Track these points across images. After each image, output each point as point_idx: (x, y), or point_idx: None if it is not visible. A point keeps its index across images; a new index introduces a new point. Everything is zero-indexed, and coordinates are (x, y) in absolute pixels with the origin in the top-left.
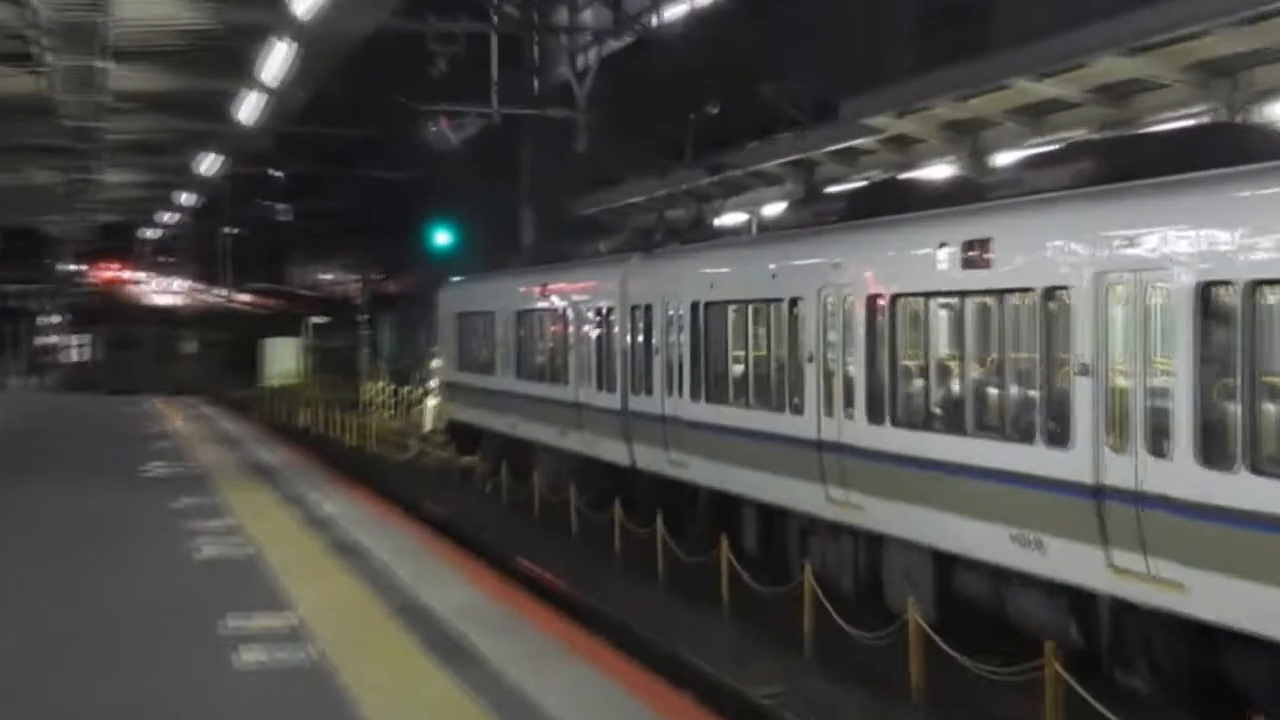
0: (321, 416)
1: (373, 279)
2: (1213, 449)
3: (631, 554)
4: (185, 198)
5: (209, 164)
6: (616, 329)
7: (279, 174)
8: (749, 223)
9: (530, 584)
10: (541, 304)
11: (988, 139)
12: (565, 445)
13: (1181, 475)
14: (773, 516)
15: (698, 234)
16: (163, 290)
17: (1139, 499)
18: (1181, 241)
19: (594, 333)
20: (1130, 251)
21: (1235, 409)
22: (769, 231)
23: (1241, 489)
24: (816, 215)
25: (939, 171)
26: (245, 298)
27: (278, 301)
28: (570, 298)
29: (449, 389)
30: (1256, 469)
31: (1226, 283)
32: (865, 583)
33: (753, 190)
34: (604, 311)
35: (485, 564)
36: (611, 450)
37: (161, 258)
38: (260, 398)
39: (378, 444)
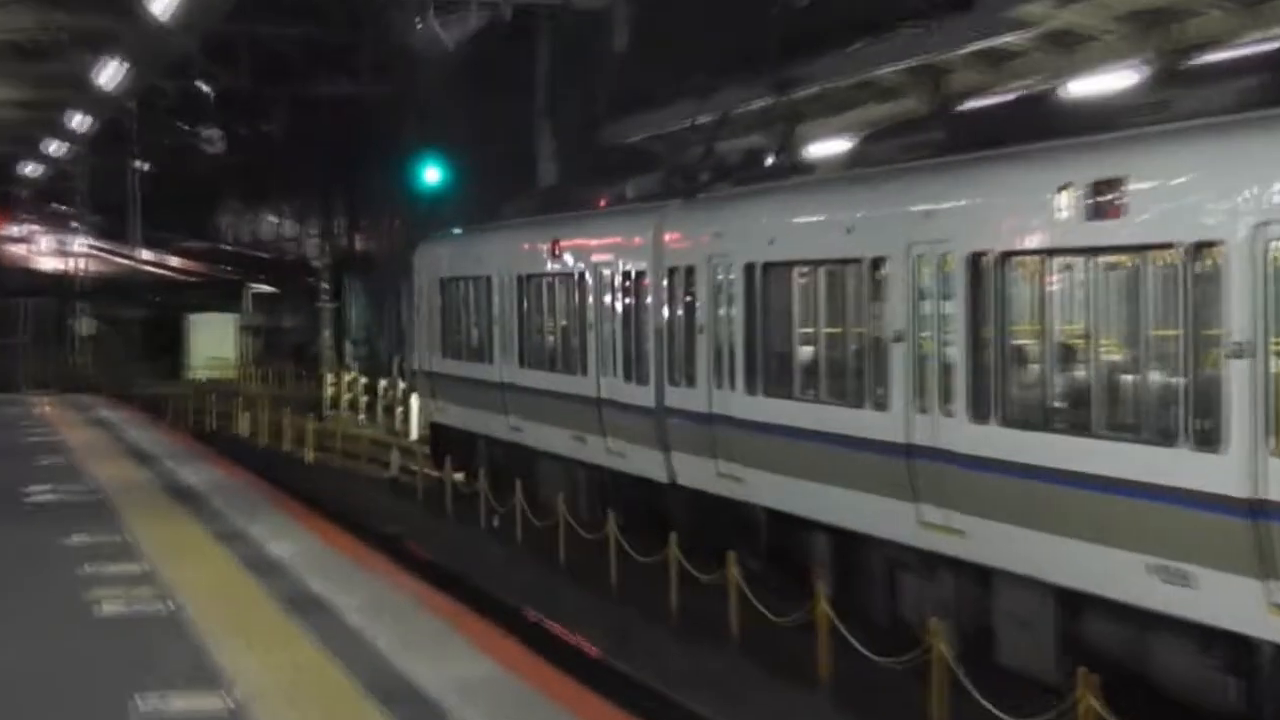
0: (268, 421)
1: (337, 233)
2: None
3: (688, 605)
4: (79, 122)
5: (111, 75)
6: (649, 299)
7: (207, 89)
8: (851, 154)
9: (556, 650)
10: (552, 266)
11: (1187, 33)
12: (584, 456)
13: None
14: (853, 547)
15: (757, 172)
16: (50, 250)
17: None
18: None
19: (620, 304)
20: None
21: None
22: (847, 170)
23: None
24: (907, 148)
25: (1113, 80)
26: (163, 259)
27: (207, 264)
28: (589, 258)
29: (429, 382)
30: None
31: None
32: (971, 633)
33: (858, 108)
34: (632, 276)
35: (495, 623)
36: (643, 461)
37: (48, 205)
38: (183, 396)
39: (346, 458)
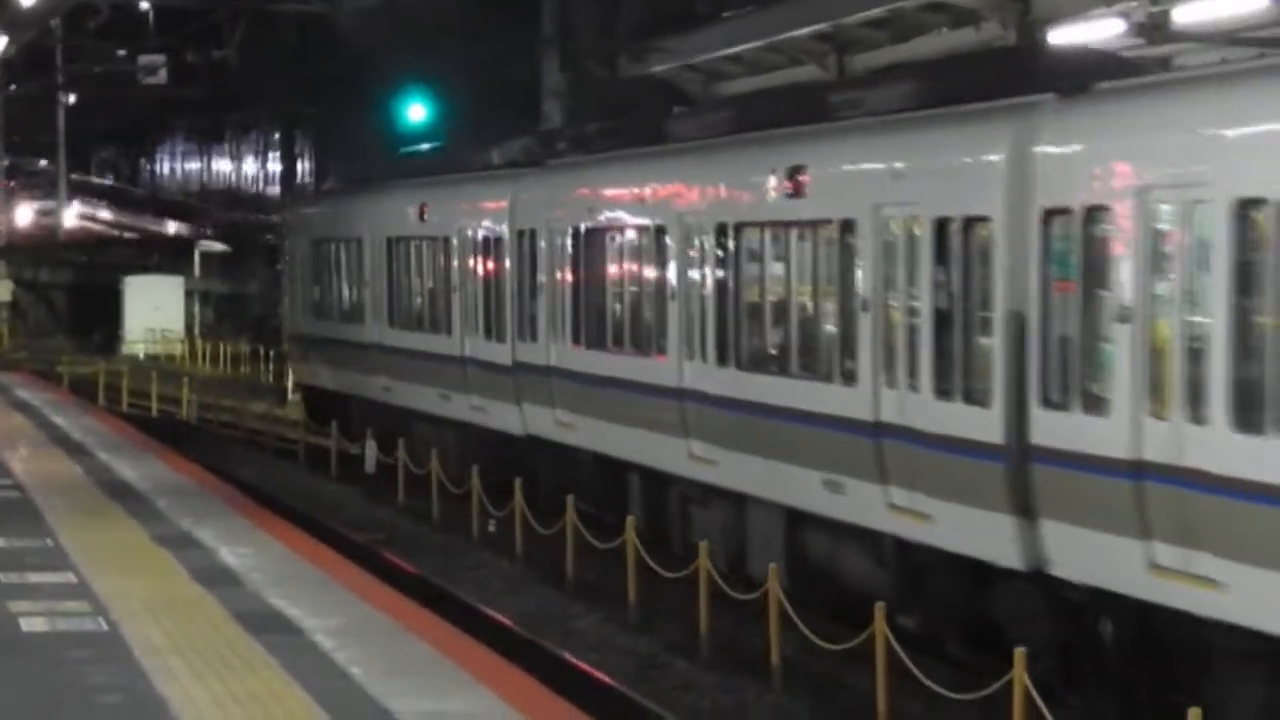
0: (221, 406)
1: (303, 181)
2: (943, 379)
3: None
4: None
5: None
6: (507, 262)
7: (146, 6)
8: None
9: (570, 681)
10: (421, 229)
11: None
12: (451, 413)
13: (922, 408)
14: (657, 483)
15: (606, 141)
16: None
17: (912, 436)
18: (927, 177)
19: (482, 266)
20: (904, 184)
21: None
22: (648, 148)
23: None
24: (706, 127)
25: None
26: (94, 212)
27: (146, 218)
28: (455, 222)
29: (300, 344)
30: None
31: (984, 219)
32: (734, 552)
33: (927, 34)
34: (492, 239)
35: (493, 648)
36: (503, 415)
37: None
38: (118, 374)
39: (313, 452)
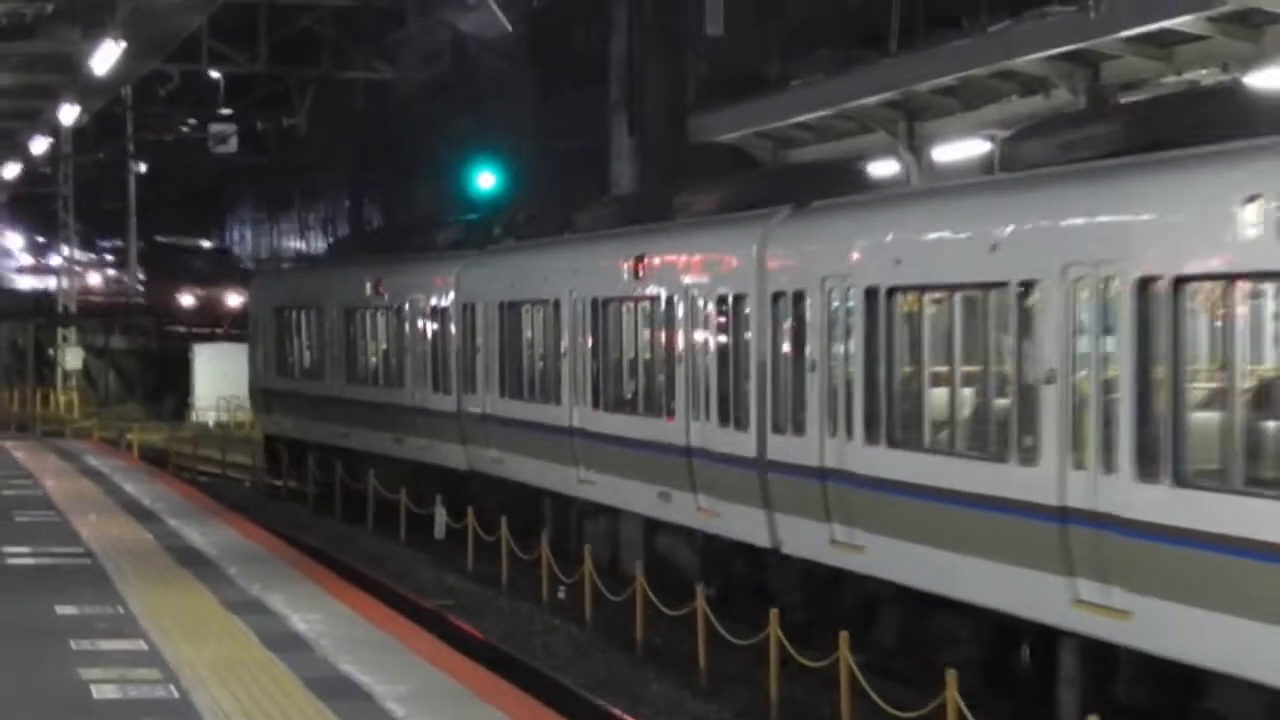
0: (292, 469)
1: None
2: (724, 412)
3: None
4: (66, 113)
5: (105, 56)
6: (452, 327)
7: (216, 75)
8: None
9: None
10: (376, 300)
11: None
12: (404, 454)
13: (713, 434)
14: (561, 504)
15: (530, 229)
16: (29, 266)
17: (708, 455)
18: (714, 265)
19: (431, 331)
20: (701, 269)
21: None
22: (553, 237)
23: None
24: (597, 220)
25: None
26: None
27: (216, 284)
28: (408, 294)
29: (263, 397)
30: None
31: (744, 295)
32: (612, 554)
33: (997, 102)
34: (440, 309)
35: (567, 713)
36: (449, 454)
37: (26, 212)
38: (188, 439)
39: (380, 520)
